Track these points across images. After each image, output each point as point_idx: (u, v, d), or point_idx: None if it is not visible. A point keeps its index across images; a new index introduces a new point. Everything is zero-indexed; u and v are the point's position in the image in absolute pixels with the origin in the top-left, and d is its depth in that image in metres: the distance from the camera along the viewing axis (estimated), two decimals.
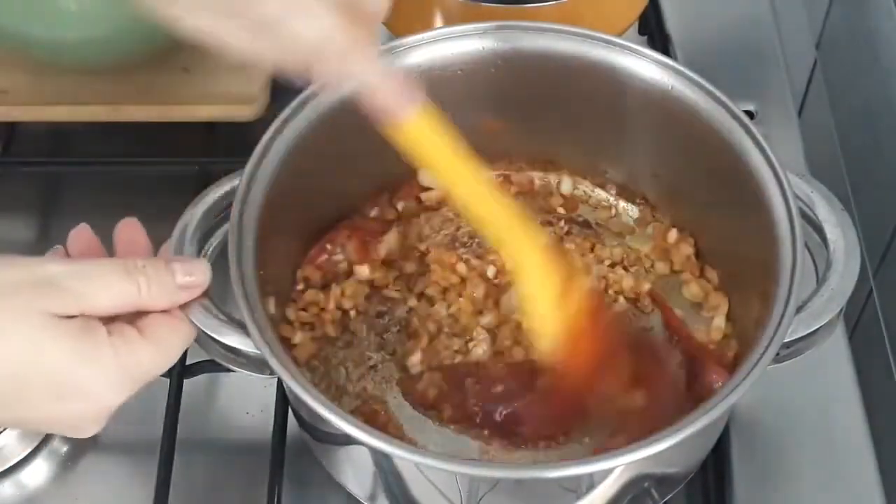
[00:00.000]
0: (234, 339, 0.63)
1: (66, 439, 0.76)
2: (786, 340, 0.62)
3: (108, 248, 0.65)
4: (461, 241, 0.79)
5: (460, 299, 0.75)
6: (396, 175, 0.79)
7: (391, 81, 0.60)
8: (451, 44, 0.74)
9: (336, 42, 0.58)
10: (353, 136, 0.70)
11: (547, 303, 0.66)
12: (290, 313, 0.74)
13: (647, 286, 0.76)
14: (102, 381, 0.58)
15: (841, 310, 0.64)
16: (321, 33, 0.57)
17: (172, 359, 0.61)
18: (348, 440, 0.63)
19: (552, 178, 0.81)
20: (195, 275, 0.62)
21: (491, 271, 0.76)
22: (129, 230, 0.65)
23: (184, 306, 0.62)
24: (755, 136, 0.69)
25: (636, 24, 0.94)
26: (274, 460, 0.72)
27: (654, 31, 0.96)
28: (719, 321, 0.73)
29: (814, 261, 0.67)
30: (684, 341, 0.73)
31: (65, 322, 0.57)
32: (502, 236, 0.66)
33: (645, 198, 0.79)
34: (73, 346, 0.57)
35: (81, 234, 0.65)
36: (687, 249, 0.77)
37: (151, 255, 0.65)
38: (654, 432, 0.59)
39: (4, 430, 0.74)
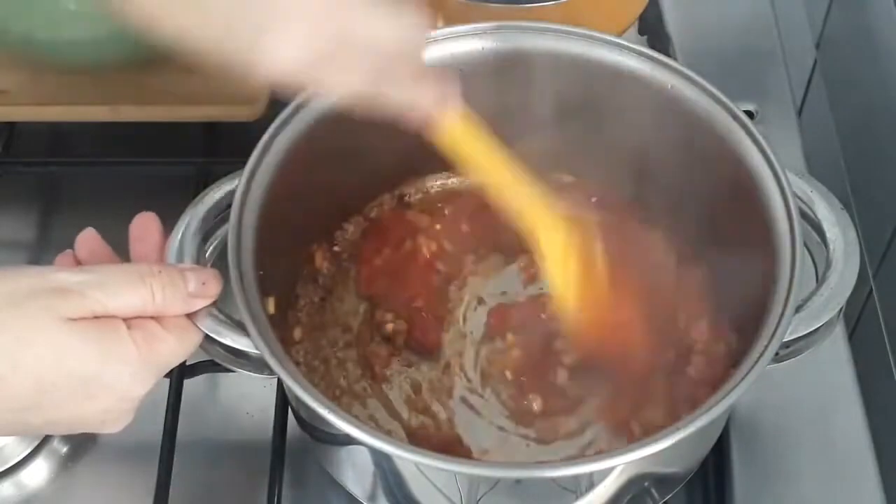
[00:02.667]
0: (233, 340, 0.63)
1: (66, 439, 0.76)
2: (785, 340, 0.62)
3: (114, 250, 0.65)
4: None
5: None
6: (397, 175, 0.79)
7: (427, 93, 0.62)
8: (451, 44, 0.74)
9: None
10: (353, 135, 0.70)
11: (572, 285, 0.68)
12: (290, 313, 0.74)
13: None
14: (127, 376, 0.59)
15: (840, 309, 0.64)
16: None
17: (191, 348, 0.62)
18: (348, 440, 0.63)
19: (552, 178, 0.81)
20: (208, 284, 0.62)
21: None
22: (144, 222, 0.65)
23: (193, 314, 0.62)
24: (755, 136, 0.69)
25: (636, 24, 0.94)
26: (274, 460, 0.72)
27: (654, 31, 0.96)
28: (718, 321, 0.73)
29: (813, 260, 0.67)
30: None
31: (83, 323, 0.58)
32: (533, 227, 0.67)
33: (645, 198, 0.79)
34: (95, 346, 0.58)
35: (88, 238, 0.65)
36: (686, 250, 0.77)
37: (162, 246, 0.65)
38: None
39: None
